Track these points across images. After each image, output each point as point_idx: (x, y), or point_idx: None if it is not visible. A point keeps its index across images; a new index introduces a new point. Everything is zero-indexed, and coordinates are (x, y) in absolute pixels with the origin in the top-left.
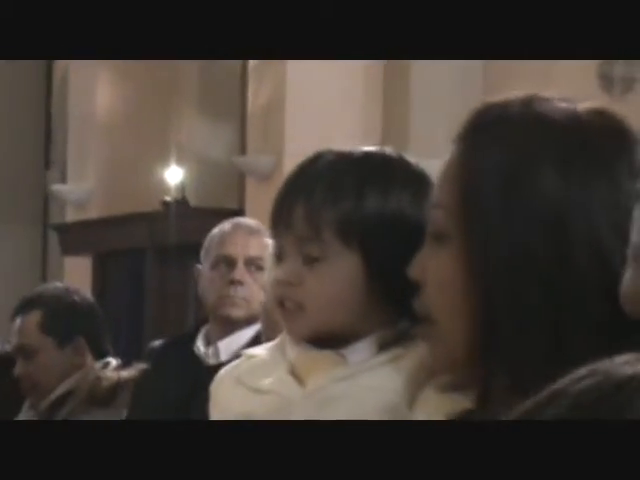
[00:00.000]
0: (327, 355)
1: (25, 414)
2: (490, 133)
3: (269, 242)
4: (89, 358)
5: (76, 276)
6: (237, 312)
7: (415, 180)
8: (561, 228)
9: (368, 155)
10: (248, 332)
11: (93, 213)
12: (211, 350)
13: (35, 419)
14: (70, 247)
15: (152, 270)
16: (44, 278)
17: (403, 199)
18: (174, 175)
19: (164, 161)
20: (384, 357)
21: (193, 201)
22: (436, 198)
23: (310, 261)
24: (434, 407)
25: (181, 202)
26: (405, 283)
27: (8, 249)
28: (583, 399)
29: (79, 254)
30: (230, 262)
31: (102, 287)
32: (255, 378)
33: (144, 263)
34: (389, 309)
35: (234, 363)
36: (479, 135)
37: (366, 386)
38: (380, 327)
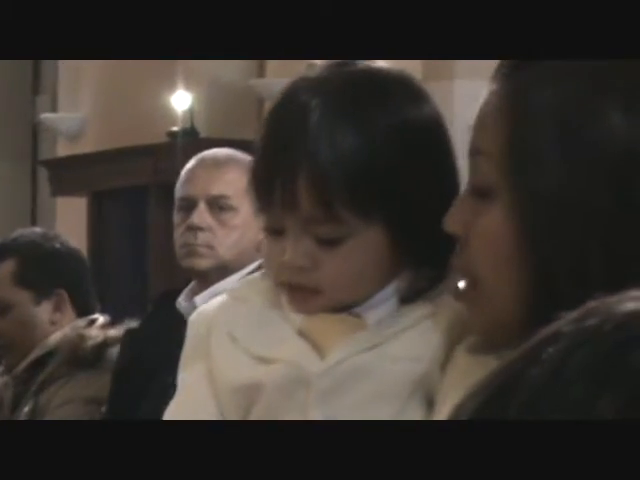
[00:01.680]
0: (343, 318)
1: (0, 379)
2: (540, 68)
3: (241, 175)
4: (71, 314)
5: (69, 219)
6: (200, 262)
7: (430, 118)
8: (626, 175)
9: (367, 91)
10: (228, 284)
11: (88, 146)
12: (191, 306)
13: (9, 384)
14: (62, 186)
15: (156, 211)
16: (34, 221)
17: (421, 145)
18: (181, 101)
19: (170, 85)
20: (411, 318)
21: (203, 131)
22: (475, 145)
23: (325, 241)
24: (463, 372)
25: (189, 132)
26: (429, 235)
27: None
28: (581, 339)
29: (73, 194)
30: (189, 205)
31: (99, 231)
32: (256, 341)
33: (147, 203)
34: (407, 259)
35: (218, 305)
36: (527, 71)
37: (394, 356)
38: (397, 278)
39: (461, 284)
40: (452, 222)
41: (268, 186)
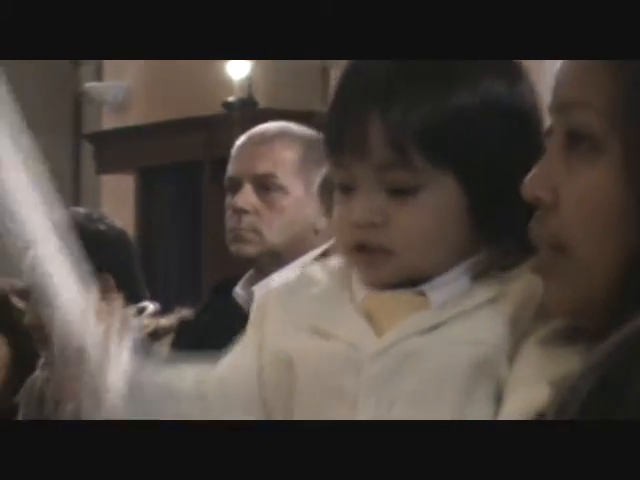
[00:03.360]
0: (407, 297)
1: (40, 373)
2: None
3: (292, 152)
4: (118, 302)
5: (115, 198)
6: (246, 248)
7: (507, 65)
8: None
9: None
10: (289, 272)
11: (135, 118)
12: (248, 295)
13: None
14: (108, 162)
15: (210, 189)
16: (76, 201)
17: (500, 93)
18: (238, 69)
19: None
20: (477, 299)
21: (263, 101)
22: (569, 98)
23: (397, 193)
24: (535, 366)
25: (247, 103)
26: (508, 204)
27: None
28: None
29: (119, 170)
30: (234, 185)
31: (147, 211)
32: (316, 316)
33: (200, 181)
34: (483, 234)
35: (286, 282)
36: None
37: (455, 338)
38: (468, 255)
39: (544, 256)
40: (536, 186)
41: (339, 133)
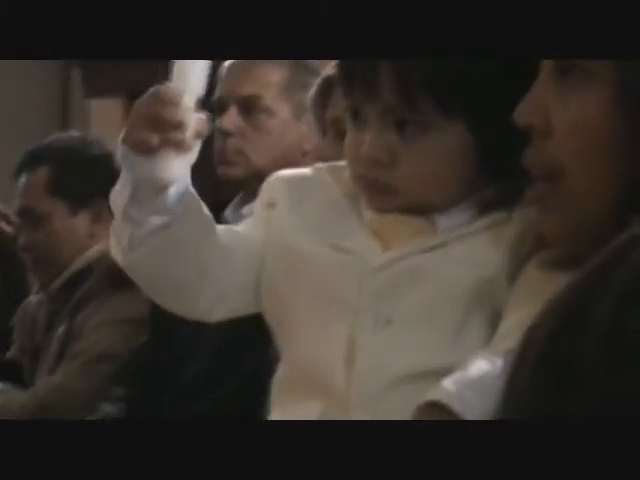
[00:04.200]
0: (414, 220)
1: (34, 297)
2: None
3: (279, 73)
4: (110, 226)
5: (105, 122)
6: (231, 170)
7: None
8: None
9: None
10: None
11: None
12: (238, 217)
13: (44, 302)
14: (96, 86)
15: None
16: (65, 126)
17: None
18: None
19: None
20: (480, 223)
21: None
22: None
23: (406, 132)
24: (533, 288)
25: None
26: (514, 144)
27: (19, 90)
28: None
29: (108, 94)
30: (221, 107)
31: None
32: (326, 227)
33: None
34: (487, 170)
35: (299, 174)
36: None
37: (458, 258)
38: (474, 192)
39: (538, 184)
40: (528, 112)
41: (350, 69)
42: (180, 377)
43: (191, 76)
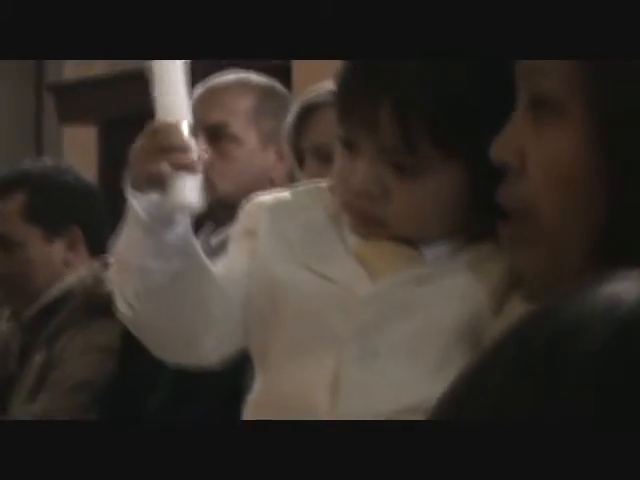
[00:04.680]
0: (401, 248)
1: (5, 325)
2: None
3: (247, 101)
4: (85, 255)
5: (78, 150)
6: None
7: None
8: None
9: None
10: None
11: (97, 68)
12: (206, 246)
13: (17, 331)
14: (70, 113)
15: None
16: (39, 153)
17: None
18: None
19: None
20: (468, 255)
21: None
22: (541, 61)
23: (400, 172)
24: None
25: None
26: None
27: None
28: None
29: (81, 122)
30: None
31: (111, 164)
32: (310, 253)
33: None
34: (478, 207)
35: (277, 198)
36: None
37: (446, 291)
38: (466, 224)
39: (513, 220)
40: (503, 148)
41: (350, 104)
42: (149, 404)
43: (176, 107)
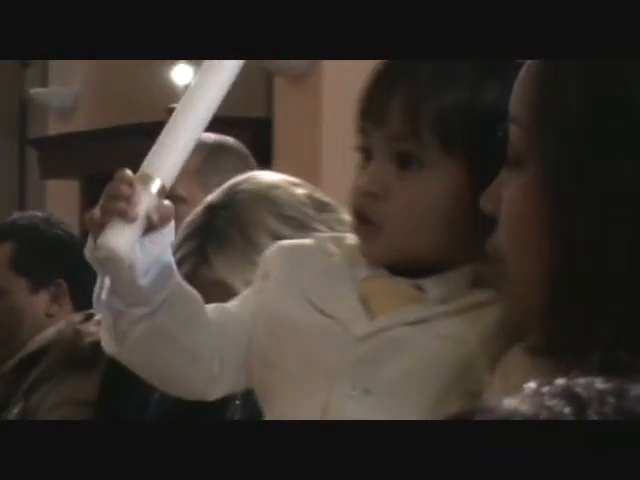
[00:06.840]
0: (403, 287)
1: None
2: None
3: (194, 161)
4: (69, 308)
5: (60, 204)
6: None
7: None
8: None
9: None
10: None
11: (81, 124)
12: None
13: None
14: (53, 167)
15: None
16: (22, 206)
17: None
18: (182, 75)
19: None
20: (469, 300)
21: None
22: (511, 111)
23: (405, 166)
24: (521, 374)
25: None
26: None
27: None
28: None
29: (64, 176)
30: None
31: None
32: (318, 291)
33: None
34: (473, 222)
35: (299, 243)
36: None
37: (442, 333)
38: (468, 260)
39: (491, 266)
40: (487, 199)
41: (369, 101)
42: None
43: (162, 164)
